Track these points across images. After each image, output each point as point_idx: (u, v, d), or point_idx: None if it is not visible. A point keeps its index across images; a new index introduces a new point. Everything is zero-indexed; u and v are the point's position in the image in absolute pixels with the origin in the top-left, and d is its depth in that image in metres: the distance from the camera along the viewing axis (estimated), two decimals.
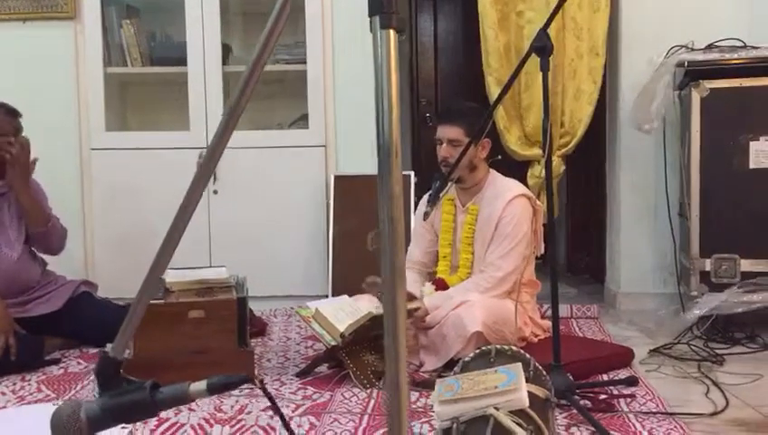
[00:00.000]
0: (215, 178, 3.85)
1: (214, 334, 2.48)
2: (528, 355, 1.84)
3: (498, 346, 1.87)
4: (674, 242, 3.50)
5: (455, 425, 1.52)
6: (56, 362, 2.86)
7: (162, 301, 2.56)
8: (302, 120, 4.00)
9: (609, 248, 4.01)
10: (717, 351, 2.85)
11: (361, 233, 3.75)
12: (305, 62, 3.85)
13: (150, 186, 3.84)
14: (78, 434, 0.90)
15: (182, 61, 3.85)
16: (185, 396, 0.88)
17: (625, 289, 3.79)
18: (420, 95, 5.66)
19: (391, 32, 0.74)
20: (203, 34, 3.81)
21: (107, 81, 3.87)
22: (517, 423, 1.49)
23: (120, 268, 3.78)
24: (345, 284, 3.63)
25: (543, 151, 2.23)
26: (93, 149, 3.87)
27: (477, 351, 1.91)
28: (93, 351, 3.00)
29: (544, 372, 1.85)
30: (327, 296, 3.72)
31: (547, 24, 2.26)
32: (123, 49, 3.89)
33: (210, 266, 3.22)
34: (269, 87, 4.13)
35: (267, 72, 4.01)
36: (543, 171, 3.68)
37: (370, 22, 0.77)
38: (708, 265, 3.13)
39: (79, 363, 2.84)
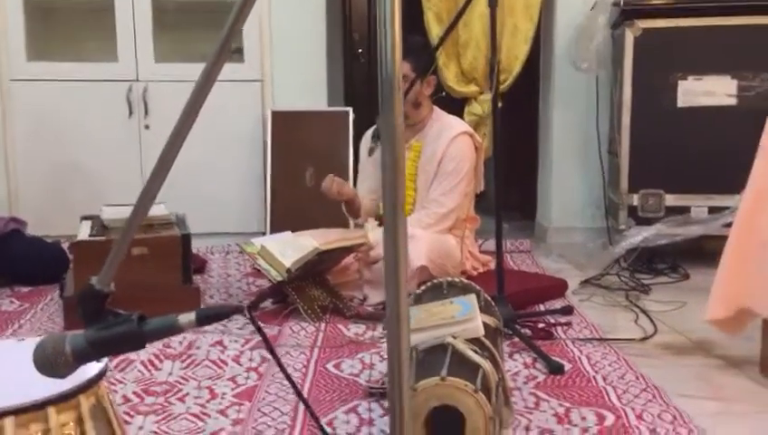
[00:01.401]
0: (146, 113, 3.74)
1: (158, 271, 2.45)
2: (477, 287, 1.90)
3: (449, 278, 1.92)
4: (603, 178, 3.64)
5: (414, 353, 1.57)
6: None
7: (102, 237, 2.49)
8: (236, 53, 3.89)
9: (541, 185, 4.13)
10: (643, 281, 3.01)
11: (300, 169, 3.73)
12: None
13: (76, 119, 3.71)
14: (64, 368, 0.89)
15: None
16: (173, 327, 0.88)
17: (556, 224, 3.93)
18: (353, 30, 5.59)
19: None
20: None
21: (27, 6, 3.65)
22: (473, 350, 1.55)
23: (46, 204, 3.67)
24: (284, 220, 3.62)
25: (491, 87, 2.26)
26: (13, 79, 3.68)
27: (429, 283, 1.95)
28: (26, 289, 2.92)
29: (492, 303, 1.92)
30: (265, 233, 3.71)
31: None
32: None
33: None
34: (199, 17, 3.98)
35: (197, 3, 3.88)
36: (481, 108, 3.76)
37: None
38: (636, 199, 3.28)
39: (12, 302, 2.76)
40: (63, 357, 0.88)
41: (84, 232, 2.59)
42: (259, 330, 0.90)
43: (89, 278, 0.93)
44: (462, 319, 1.60)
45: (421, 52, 2.82)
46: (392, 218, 0.77)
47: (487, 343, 1.64)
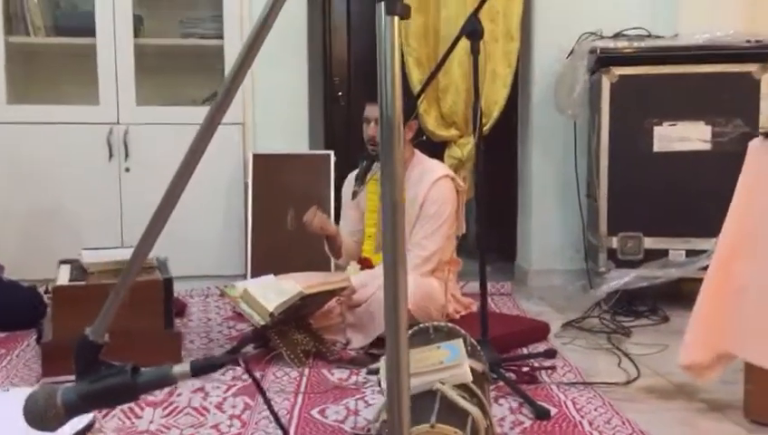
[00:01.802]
0: (126, 155, 3.72)
1: (139, 316, 2.40)
2: (463, 331, 1.90)
3: (435, 323, 1.93)
4: (582, 221, 3.68)
5: None
6: None
7: (83, 282, 2.46)
8: (216, 97, 3.90)
9: (521, 227, 4.17)
10: (624, 324, 3.03)
11: (280, 212, 3.73)
12: (222, 37, 3.76)
13: (56, 162, 3.68)
14: (55, 421, 0.87)
15: (89, 31, 3.68)
16: (168, 378, 0.87)
17: (536, 266, 3.96)
18: (333, 74, 5.64)
19: (395, 18, 0.76)
20: (113, 4, 3.65)
21: (8, 49, 3.65)
22: (462, 397, 1.54)
23: (23, 247, 3.61)
24: (264, 263, 3.61)
25: (474, 133, 2.29)
26: None
27: (415, 328, 1.95)
28: (2, 335, 2.86)
29: (478, 348, 1.92)
30: (245, 276, 3.69)
31: (477, 9, 2.31)
32: (26, 17, 3.67)
33: (128, 247, 3.11)
34: (182, 62, 4.01)
35: (180, 47, 3.91)
36: (461, 151, 3.80)
37: (375, 8, 0.78)
38: (615, 242, 3.32)
39: None
40: (55, 410, 0.86)
41: (63, 276, 2.56)
42: (254, 380, 0.89)
43: (83, 329, 0.91)
44: (450, 365, 1.60)
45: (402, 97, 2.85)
46: (392, 262, 0.77)
47: (475, 388, 1.63)
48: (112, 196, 3.71)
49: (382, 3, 0.76)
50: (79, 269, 2.65)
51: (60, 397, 0.87)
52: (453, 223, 2.88)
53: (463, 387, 1.61)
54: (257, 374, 2.38)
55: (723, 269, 1.92)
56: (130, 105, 3.71)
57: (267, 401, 0.95)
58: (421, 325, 1.93)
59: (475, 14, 2.30)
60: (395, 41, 0.77)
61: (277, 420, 0.95)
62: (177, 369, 0.87)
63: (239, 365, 1.04)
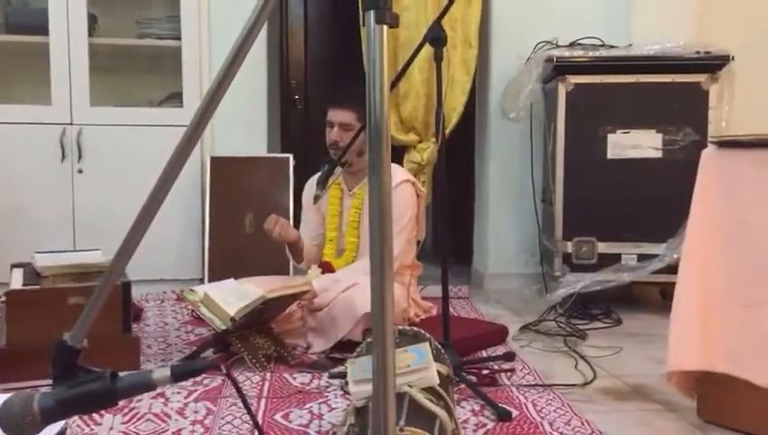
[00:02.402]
0: (79, 157, 3.65)
1: (96, 321, 2.35)
2: (428, 335, 1.92)
3: (400, 327, 1.94)
4: (537, 226, 3.75)
5: (370, 404, 1.57)
6: None
7: (37, 286, 2.40)
8: (173, 99, 3.86)
9: (477, 231, 4.22)
10: (579, 327, 3.10)
11: (238, 215, 3.70)
12: (179, 38, 3.72)
13: (7, 162, 3.58)
14: (31, 428, 0.86)
15: (42, 29, 3.60)
16: (147, 384, 0.87)
17: (492, 270, 4.01)
18: (290, 77, 5.63)
19: (384, 27, 0.77)
20: (67, 2, 3.57)
21: None
22: (429, 399, 1.56)
23: None
24: (222, 266, 3.58)
25: (438, 139, 2.32)
26: None
27: None
28: None
29: (442, 351, 1.94)
30: (202, 280, 3.65)
31: (441, 16, 2.34)
32: None
33: (82, 250, 3.05)
34: (138, 62, 3.96)
35: (137, 47, 3.85)
36: (420, 156, 3.84)
37: (363, 16, 0.79)
38: (570, 247, 3.39)
39: None
40: (31, 417, 0.85)
41: (17, 280, 2.49)
42: (236, 385, 0.89)
43: (61, 334, 0.90)
44: (417, 368, 1.62)
45: (365, 100, 2.87)
46: (379, 270, 0.78)
47: (441, 391, 1.65)
48: (65, 197, 3.64)
49: (372, 12, 0.77)
50: (32, 273, 2.58)
51: (37, 403, 0.85)
52: (413, 227, 2.90)
53: (430, 390, 1.62)
54: (218, 379, 2.36)
55: (699, 280, 1.94)
56: (84, 105, 3.64)
57: (247, 406, 0.95)
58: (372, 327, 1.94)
59: (438, 21, 2.33)
60: (384, 49, 0.78)
61: (257, 425, 0.95)
62: (158, 374, 0.86)
63: (220, 370, 1.04)
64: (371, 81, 0.79)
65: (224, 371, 0.97)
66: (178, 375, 0.86)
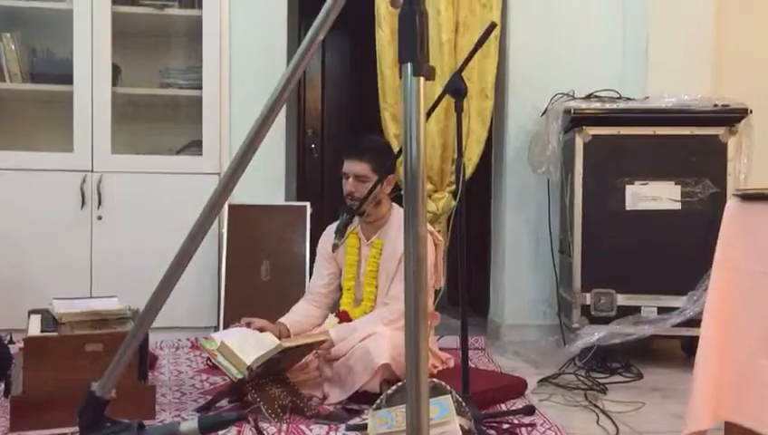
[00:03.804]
0: (99, 203, 3.68)
1: None
2: (449, 387, 1.89)
3: None
4: (555, 277, 3.72)
5: None
6: None
7: (55, 333, 2.39)
8: (193, 147, 3.91)
9: (494, 282, 4.19)
10: (599, 380, 3.04)
11: (254, 263, 3.70)
12: (200, 88, 3.78)
13: (27, 208, 3.62)
14: None
15: (65, 78, 3.67)
16: None
17: (509, 321, 3.97)
18: (306, 126, 5.70)
19: (421, 79, 0.78)
20: (92, 53, 3.65)
21: None
22: None
23: None
24: (237, 314, 3.53)
25: (457, 189, 2.32)
26: None
27: (399, 383, 1.94)
28: None
29: (463, 404, 1.91)
30: (217, 327, 3.64)
31: (461, 69, 2.37)
32: (2, 63, 3.66)
33: (99, 296, 3.05)
34: (159, 111, 4.02)
35: (158, 96, 3.92)
36: (436, 206, 3.84)
37: (400, 68, 0.80)
38: (588, 298, 3.35)
39: None
40: None
41: (35, 327, 2.48)
42: None
43: (89, 385, 0.89)
44: (440, 422, 1.59)
45: (379, 151, 2.90)
46: (414, 319, 0.77)
47: None
48: (83, 244, 3.66)
49: (409, 64, 0.77)
50: (50, 319, 2.58)
51: None
52: (431, 277, 2.88)
53: None
54: (233, 430, 2.33)
55: (719, 337, 1.92)
56: (105, 153, 3.68)
57: None
58: (406, 381, 1.91)
59: (458, 73, 2.35)
60: (421, 101, 0.79)
61: None
62: (185, 426, 0.85)
63: (248, 422, 1.01)
64: (408, 133, 0.79)
65: (252, 424, 0.95)
66: (206, 427, 0.85)
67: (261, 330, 2.73)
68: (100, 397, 0.85)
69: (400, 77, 0.80)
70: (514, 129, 3.97)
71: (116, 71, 3.77)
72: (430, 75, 0.78)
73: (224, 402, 2.60)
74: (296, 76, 0.88)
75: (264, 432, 2.29)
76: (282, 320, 2.87)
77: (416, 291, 0.79)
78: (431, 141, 3.84)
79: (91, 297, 3.12)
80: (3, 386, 2.57)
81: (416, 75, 0.77)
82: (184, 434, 0.85)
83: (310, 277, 3.35)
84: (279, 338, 2.66)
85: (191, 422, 0.85)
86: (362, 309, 2.87)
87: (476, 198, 4.47)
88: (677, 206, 3.31)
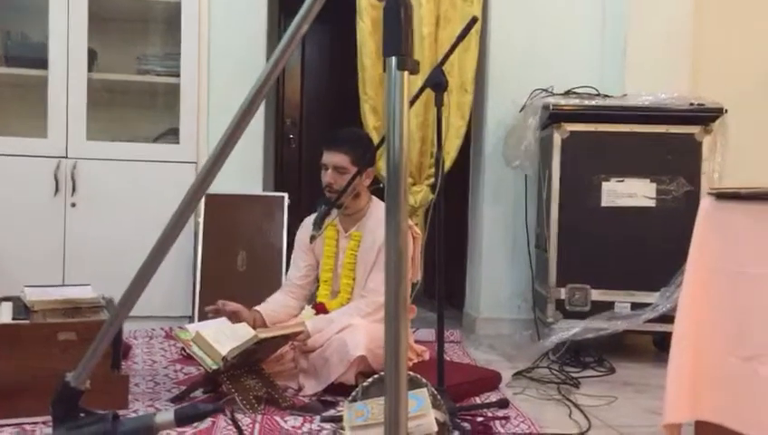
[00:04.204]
0: (73, 190, 3.63)
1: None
2: (424, 380, 1.90)
3: None
4: (531, 271, 3.74)
5: None
6: None
7: (27, 321, 2.36)
8: (169, 135, 3.87)
9: (470, 275, 4.21)
10: (572, 374, 3.07)
11: (231, 253, 3.68)
12: (178, 75, 3.74)
13: (0, 194, 3.55)
14: None
15: (40, 63, 3.61)
16: (150, 428, 0.84)
17: (484, 314, 3.99)
18: (285, 115, 5.67)
19: (405, 73, 0.77)
20: (68, 37, 3.60)
21: None
22: None
23: None
24: (212, 304, 3.53)
25: (437, 183, 2.32)
26: None
27: (375, 376, 1.94)
28: None
29: (438, 397, 1.92)
30: (192, 317, 3.61)
31: (442, 62, 2.37)
32: None
33: (72, 285, 3.01)
34: (136, 98, 3.97)
35: (135, 83, 3.87)
36: (414, 199, 3.84)
37: (384, 62, 0.80)
38: (563, 293, 3.38)
39: None
40: None
41: (6, 314, 2.45)
42: (238, 429, 0.87)
43: (63, 375, 0.88)
44: (415, 415, 1.60)
45: (358, 143, 2.89)
46: (395, 311, 0.77)
47: None
48: (57, 231, 3.61)
49: (393, 58, 0.77)
50: (21, 307, 2.54)
51: None
52: (409, 269, 2.89)
53: None
54: (207, 421, 2.32)
55: (695, 331, 1.94)
56: (80, 139, 3.63)
57: None
58: (382, 374, 1.92)
59: (439, 67, 2.35)
60: (405, 95, 0.78)
61: None
62: (160, 417, 0.84)
63: (224, 414, 1.01)
64: (391, 126, 0.79)
65: (228, 415, 0.94)
66: (182, 419, 0.84)
67: (235, 315, 2.72)
68: (74, 387, 0.84)
69: (384, 70, 0.79)
70: (493, 123, 3.98)
71: (92, 56, 3.71)
72: (415, 69, 0.78)
73: (198, 393, 2.59)
74: (278, 69, 0.87)
75: (240, 424, 2.29)
76: (257, 308, 2.86)
77: (396, 283, 0.79)
78: (410, 135, 3.84)
79: (63, 285, 3.08)
80: None
81: (400, 69, 0.77)
82: (159, 425, 0.84)
83: (287, 268, 3.35)
84: (254, 327, 2.65)
85: (167, 413, 0.85)
86: (339, 301, 2.87)
87: (454, 191, 4.47)
88: (652, 203, 3.35)
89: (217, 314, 2.77)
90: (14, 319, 2.39)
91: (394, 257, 0.79)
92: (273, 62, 0.87)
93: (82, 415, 0.85)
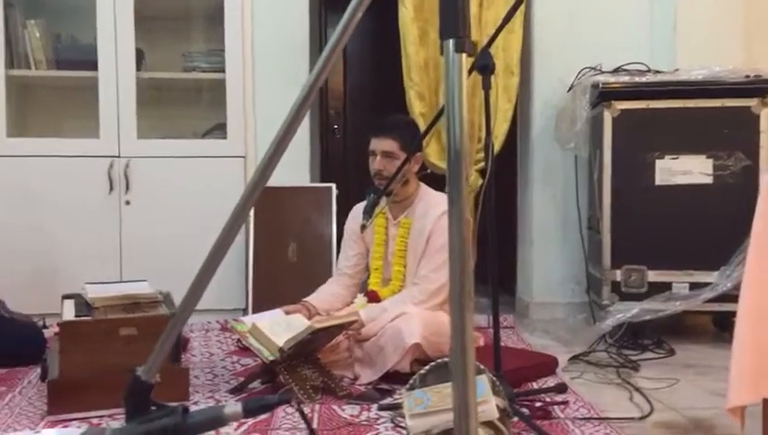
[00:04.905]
0: (127, 188, 3.70)
1: (147, 352, 2.36)
2: (482, 366, 1.88)
3: None
4: (584, 254, 3.68)
5: None
6: None
7: (89, 317, 2.42)
8: (217, 130, 3.91)
9: (521, 260, 4.16)
10: (631, 357, 3.02)
11: (281, 245, 3.71)
12: (222, 71, 3.77)
13: (56, 195, 3.65)
14: None
15: (89, 65, 3.68)
16: (219, 419, 0.85)
17: (537, 299, 3.95)
18: (329, 106, 5.68)
19: (463, 56, 0.76)
20: (116, 39, 3.65)
21: (8, 83, 3.64)
22: None
23: (23, 282, 3.55)
24: (265, 296, 3.58)
25: (487, 168, 2.30)
26: None
27: (432, 363, 1.93)
28: (1, 372, 2.80)
29: (497, 383, 1.90)
30: (246, 309, 3.66)
31: (488, 44, 2.34)
32: (27, 51, 3.67)
33: (129, 281, 3.08)
34: (183, 95, 4.02)
35: (181, 80, 3.91)
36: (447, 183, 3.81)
37: (441, 45, 0.79)
38: (618, 275, 3.32)
39: None
40: None
41: (69, 312, 2.51)
42: (305, 420, 0.87)
43: (133, 369, 0.89)
44: (477, 402, 1.58)
45: (406, 129, 2.88)
46: (459, 301, 0.76)
47: (501, 426, 1.61)
48: (112, 229, 3.68)
49: (451, 41, 0.76)
50: (83, 304, 2.60)
51: None
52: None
53: (489, 424, 1.59)
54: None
55: (758, 311, 1.88)
56: (131, 138, 3.70)
57: None
58: (439, 361, 1.91)
59: (486, 49, 2.32)
60: (463, 78, 0.77)
61: None
62: (229, 410, 0.85)
63: (291, 405, 1.02)
64: (451, 112, 0.78)
65: (295, 407, 0.95)
66: (250, 411, 0.85)
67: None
68: (145, 381, 0.85)
69: (441, 54, 0.78)
70: (540, 105, 3.92)
71: (139, 55, 3.77)
72: (473, 51, 0.76)
73: (256, 384, 2.62)
74: (334, 56, 0.87)
75: (306, 414, 2.30)
76: (307, 299, 2.88)
77: (460, 271, 0.78)
78: None
79: (122, 281, 3.15)
80: (39, 370, 2.60)
81: (458, 52, 0.76)
82: (228, 417, 0.85)
83: (336, 258, 3.36)
84: (308, 318, 2.67)
85: (235, 406, 0.85)
86: (390, 289, 2.87)
87: (502, 175, 4.40)
88: (709, 180, 3.26)
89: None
90: (76, 316, 2.45)
91: (457, 245, 0.78)
92: (330, 50, 0.87)
93: (153, 408, 0.86)
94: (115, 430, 0.85)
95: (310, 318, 2.72)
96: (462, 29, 0.75)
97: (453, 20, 0.74)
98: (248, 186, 0.93)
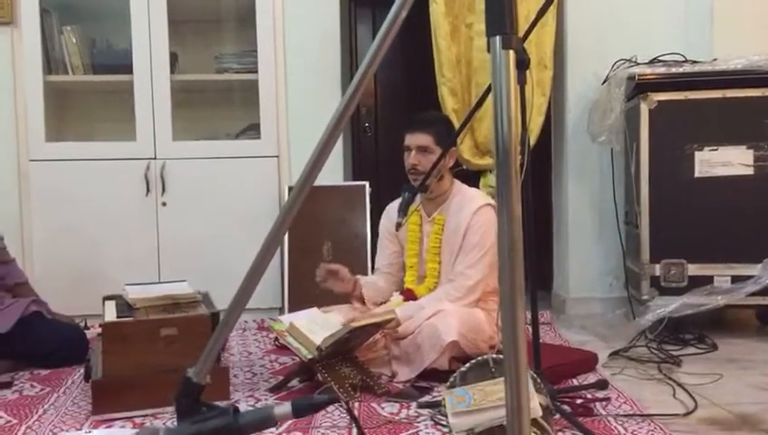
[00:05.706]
0: (163, 190, 3.74)
1: (188, 352, 2.38)
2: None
3: (494, 356, 1.89)
4: (621, 248, 3.64)
5: None
6: (7, 385, 2.69)
7: (131, 318, 2.45)
8: (250, 130, 3.94)
9: (557, 255, 4.13)
10: (672, 352, 2.97)
11: (316, 244, 3.73)
12: (256, 72, 3.79)
13: (94, 198, 3.71)
14: None
15: (125, 69, 3.73)
16: (270, 419, 0.86)
17: (574, 294, 3.91)
18: (360, 104, 5.67)
19: (511, 52, 0.75)
20: (150, 42, 3.70)
21: (46, 88, 3.70)
22: (534, 433, 1.51)
23: (63, 283, 3.62)
24: (301, 295, 3.60)
25: (523, 163, 2.27)
26: (32, 160, 3.69)
27: (473, 361, 1.92)
28: (45, 373, 2.86)
29: (539, 380, 1.88)
30: (282, 308, 3.68)
31: (523, 38, 2.32)
32: (64, 56, 3.74)
33: (168, 281, 3.11)
34: (216, 96, 4.06)
35: (214, 82, 3.95)
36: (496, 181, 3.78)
37: (488, 42, 0.78)
38: (658, 270, 3.27)
39: (33, 386, 2.69)
40: None
41: (110, 313, 2.55)
42: (354, 420, 0.87)
43: (185, 371, 0.90)
44: None
45: (440, 124, 2.87)
46: (510, 298, 0.75)
47: (544, 424, 1.60)
48: (150, 230, 3.73)
49: (498, 37, 0.75)
50: (124, 305, 2.64)
51: None
52: (496, 251, 2.85)
53: (532, 422, 1.57)
54: None
55: None
56: (167, 140, 3.74)
57: None
58: (479, 358, 1.90)
59: (521, 43, 2.30)
60: (511, 74, 0.76)
61: None
62: (279, 410, 0.85)
63: (341, 405, 1.02)
64: (499, 110, 0.77)
65: (344, 406, 0.95)
66: (299, 411, 0.85)
67: (333, 274, 2.84)
68: (196, 383, 0.86)
69: (488, 51, 0.77)
70: (574, 98, 3.88)
71: (173, 58, 3.81)
72: (519, 47, 0.75)
73: (295, 382, 2.63)
74: (380, 55, 0.86)
75: (354, 412, 2.31)
76: (359, 277, 2.95)
77: (511, 269, 0.77)
78: (490, 115, 3.78)
79: (161, 282, 3.18)
80: (83, 371, 2.65)
81: (505, 48, 0.75)
82: (278, 417, 0.85)
83: (372, 257, 3.37)
84: (352, 294, 2.85)
85: (285, 406, 0.85)
86: (426, 286, 2.86)
87: (537, 169, 4.38)
88: (750, 171, 3.20)
89: (325, 278, 2.86)
90: (118, 317, 2.49)
91: (507, 244, 0.77)
92: (375, 48, 0.86)
93: (204, 409, 0.87)
94: (169, 430, 0.86)
95: (354, 294, 2.85)
96: (509, 25, 0.74)
97: (499, 16, 0.73)
98: (295, 188, 0.92)
